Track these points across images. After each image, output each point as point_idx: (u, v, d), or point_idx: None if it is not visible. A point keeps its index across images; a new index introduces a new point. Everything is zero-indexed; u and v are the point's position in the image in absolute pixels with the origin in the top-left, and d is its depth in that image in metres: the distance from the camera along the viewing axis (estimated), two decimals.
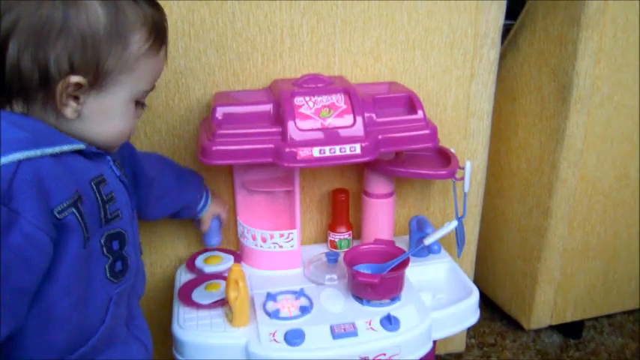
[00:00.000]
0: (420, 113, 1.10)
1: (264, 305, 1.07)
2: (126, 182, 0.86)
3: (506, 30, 1.42)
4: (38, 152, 0.69)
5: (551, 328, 1.78)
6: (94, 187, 0.77)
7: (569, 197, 1.54)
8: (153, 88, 0.84)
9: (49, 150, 0.70)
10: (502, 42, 1.37)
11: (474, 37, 1.26)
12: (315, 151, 1.02)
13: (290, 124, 1.03)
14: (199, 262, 1.22)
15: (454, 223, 1.12)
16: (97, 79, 0.75)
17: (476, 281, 1.23)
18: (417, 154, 1.26)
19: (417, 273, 1.19)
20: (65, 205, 0.71)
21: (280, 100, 1.05)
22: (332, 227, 1.28)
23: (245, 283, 1.01)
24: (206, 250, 1.27)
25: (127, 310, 0.89)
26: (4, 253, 0.66)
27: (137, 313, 0.94)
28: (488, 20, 1.25)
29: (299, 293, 1.11)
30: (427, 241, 1.14)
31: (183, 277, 1.20)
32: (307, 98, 1.06)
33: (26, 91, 0.73)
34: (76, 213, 0.72)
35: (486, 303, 1.83)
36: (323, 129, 1.04)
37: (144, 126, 1.17)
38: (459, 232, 1.27)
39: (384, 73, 1.24)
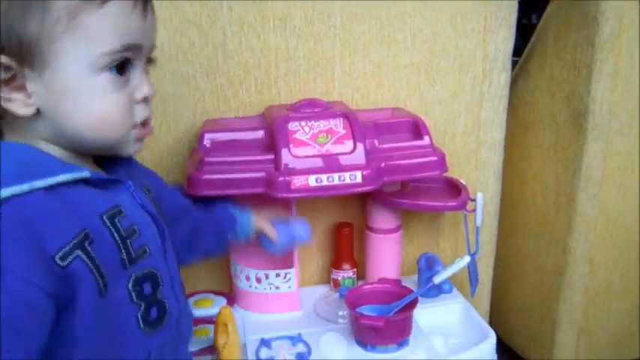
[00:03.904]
0: (426, 139, 1.01)
1: (257, 352, 0.97)
2: (153, 210, 0.71)
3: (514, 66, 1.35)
4: (26, 187, 0.55)
5: None
6: (108, 222, 0.62)
7: (588, 233, 1.44)
8: (131, 47, 0.62)
9: (40, 183, 0.56)
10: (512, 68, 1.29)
11: (482, 59, 1.18)
12: (312, 180, 0.92)
13: (283, 151, 0.94)
14: None
15: (466, 259, 1.02)
16: (25, 54, 0.58)
17: (491, 325, 1.13)
18: (424, 186, 1.16)
19: (426, 315, 1.08)
20: (68, 248, 0.57)
21: (273, 126, 0.97)
22: (335, 264, 1.18)
23: (235, 327, 0.91)
24: (196, 293, 1.16)
25: None
26: None
27: None
28: (497, 42, 1.18)
29: (296, 339, 1.00)
30: (437, 280, 1.03)
31: None
32: (303, 123, 0.98)
33: None
34: (84, 256, 0.58)
35: (503, 349, 1.69)
36: (320, 156, 0.95)
37: None
38: (472, 270, 1.16)
39: (387, 99, 1.16)
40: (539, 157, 1.48)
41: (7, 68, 0.58)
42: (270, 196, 0.93)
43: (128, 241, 0.64)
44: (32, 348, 0.55)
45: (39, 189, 0.56)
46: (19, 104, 0.60)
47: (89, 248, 0.59)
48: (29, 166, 0.58)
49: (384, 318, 0.93)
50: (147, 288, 0.66)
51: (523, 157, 1.51)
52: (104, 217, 0.62)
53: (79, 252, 0.58)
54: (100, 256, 0.60)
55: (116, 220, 0.63)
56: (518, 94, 1.50)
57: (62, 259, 0.56)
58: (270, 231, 0.99)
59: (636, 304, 1.57)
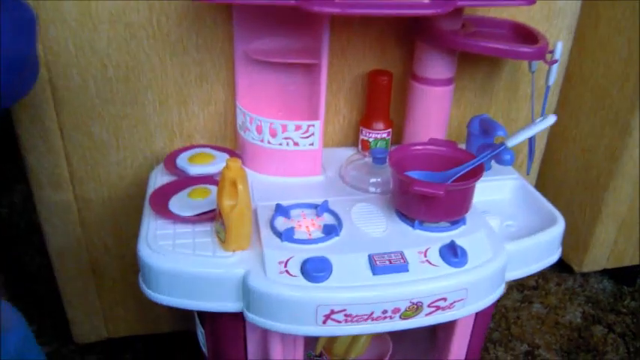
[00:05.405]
0: None
1: (272, 222, 0.75)
2: None
3: None
4: None
5: (601, 273, 1.50)
6: None
7: None
8: None
9: None
10: None
11: None
12: None
13: None
14: (182, 160, 0.90)
15: (552, 119, 0.78)
16: None
17: None
18: (488, 31, 0.92)
19: (476, 192, 0.87)
20: None
21: None
22: (366, 122, 0.95)
23: (247, 186, 0.70)
24: (192, 146, 0.94)
25: None
26: None
27: None
28: None
29: (322, 207, 0.79)
30: (510, 143, 0.80)
31: (160, 179, 0.87)
32: None
33: None
34: None
35: None
36: None
37: None
38: (531, 142, 0.95)
39: None
40: (608, 21, 1.23)
41: None
42: (304, 10, 0.67)
43: None
44: None
45: None
46: None
47: None
48: None
49: (445, 185, 0.71)
50: None
51: (590, 20, 1.26)
52: None
53: None
54: None
55: None
56: None
57: None
58: None
59: None
